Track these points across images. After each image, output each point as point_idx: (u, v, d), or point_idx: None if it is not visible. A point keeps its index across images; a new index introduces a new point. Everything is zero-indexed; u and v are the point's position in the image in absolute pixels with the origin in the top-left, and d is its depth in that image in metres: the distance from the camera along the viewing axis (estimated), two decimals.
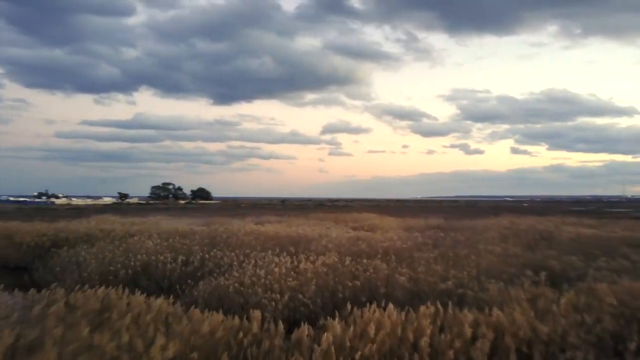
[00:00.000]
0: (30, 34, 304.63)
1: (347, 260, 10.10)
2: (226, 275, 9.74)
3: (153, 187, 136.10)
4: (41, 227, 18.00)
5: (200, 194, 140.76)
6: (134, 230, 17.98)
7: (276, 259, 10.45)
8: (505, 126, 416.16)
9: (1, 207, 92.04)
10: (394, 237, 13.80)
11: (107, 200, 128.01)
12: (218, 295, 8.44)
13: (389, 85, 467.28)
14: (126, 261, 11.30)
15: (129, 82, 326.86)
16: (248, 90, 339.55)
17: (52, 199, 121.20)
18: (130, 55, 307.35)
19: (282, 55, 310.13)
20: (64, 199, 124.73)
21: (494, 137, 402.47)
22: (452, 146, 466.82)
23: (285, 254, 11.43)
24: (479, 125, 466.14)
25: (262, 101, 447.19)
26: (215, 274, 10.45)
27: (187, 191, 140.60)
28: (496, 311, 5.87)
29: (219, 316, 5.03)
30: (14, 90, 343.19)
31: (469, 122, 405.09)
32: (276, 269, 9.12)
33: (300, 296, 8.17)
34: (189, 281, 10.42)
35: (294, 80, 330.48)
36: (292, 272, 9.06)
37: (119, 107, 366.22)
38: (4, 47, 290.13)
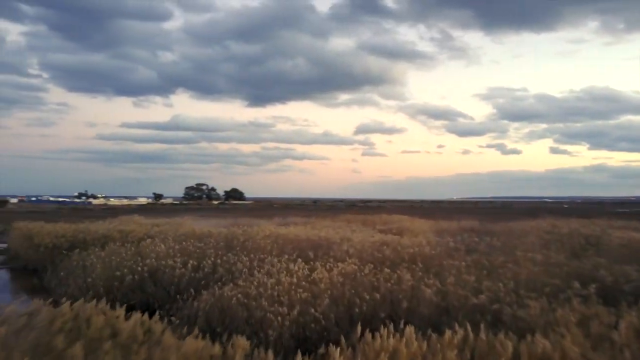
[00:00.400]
0: (73, 40, 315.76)
1: (367, 269, 9.10)
2: (235, 283, 8.92)
3: (187, 188, 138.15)
4: (61, 228, 17.68)
5: (234, 194, 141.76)
6: (154, 232, 17.47)
7: (291, 266, 9.54)
8: (544, 125, 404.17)
9: (41, 207, 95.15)
10: (423, 242, 12.68)
11: (142, 200, 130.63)
12: (221, 307, 7.59)
13: (424, 85, 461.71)
14: (134, 266, 10.62)
15: (166, 85, 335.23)
16: (282, 92, 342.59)
17: (90, 200, 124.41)
18: (167, 59, 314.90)
19: (316, 56, 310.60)
20: (101, 200, 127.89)
21: (532, 136, 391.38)
22: (489, 146, 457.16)
23: (301, 260, 10.55)
24: (516, 124, 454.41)
25: (295, 102, 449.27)
26: (224, 282, 9.67)
27: (220, 192, 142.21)
28: (541, 339, 4.78)
29: (196, 343, 4.14)
30: (58, 94, 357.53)
31: (505, 121, 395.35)
32: (286, 279, 8.19)
33: (312, 310, 7.22)
34: (194, 289, 9.70)
35: (327, 81, 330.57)
36: (304, 282, 8.12)
37: (157, 110, 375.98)
38: (49, 53, 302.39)
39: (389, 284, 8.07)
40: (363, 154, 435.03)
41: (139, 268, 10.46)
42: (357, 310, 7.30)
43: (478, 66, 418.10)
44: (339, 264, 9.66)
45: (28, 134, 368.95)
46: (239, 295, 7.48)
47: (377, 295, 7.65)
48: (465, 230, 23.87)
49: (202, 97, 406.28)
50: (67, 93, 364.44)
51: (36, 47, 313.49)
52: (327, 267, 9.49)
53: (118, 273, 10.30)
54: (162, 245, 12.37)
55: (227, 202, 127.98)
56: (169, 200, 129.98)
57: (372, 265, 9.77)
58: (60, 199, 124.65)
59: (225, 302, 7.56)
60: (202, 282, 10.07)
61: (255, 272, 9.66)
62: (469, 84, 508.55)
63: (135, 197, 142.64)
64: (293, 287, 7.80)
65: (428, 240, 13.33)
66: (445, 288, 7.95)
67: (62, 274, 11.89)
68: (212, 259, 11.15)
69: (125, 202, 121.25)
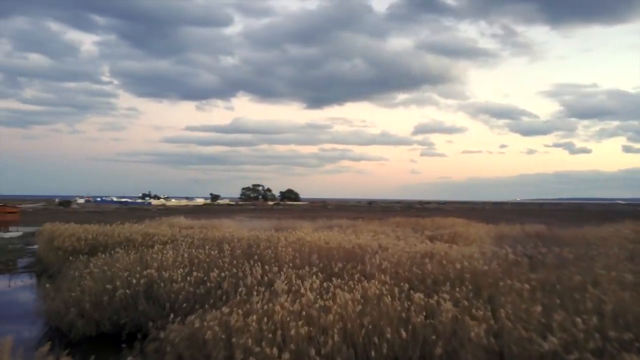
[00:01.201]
0: (140, 47, 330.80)
1: (399, 290, 7.10)
2: (232, 303, 7.21)
3: (243, 189, 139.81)
4: (84, 230, 16.78)
5: (289, 195, 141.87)
6: (180, 235, 16.24)
7: (306, 283, 7.69)
8: (616, 123, 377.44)
9: (102, 207, 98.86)
10: (476, 253, 10.45)
11: (199, 201, 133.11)
12: (195, 341, 5.86)
13: (485, 83, 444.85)
14: (129, 277, 9.16)
15: (227, 88, 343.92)
16: (339, 93, 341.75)
17: (150, 200, 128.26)
18: (228, 63, 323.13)
19: (374, 56, 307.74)
20: (162, 200, 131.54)
21: (603, 134, 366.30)
22: (555, 145, 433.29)
23: (322, 274, 8.72)
24: (585, 122, 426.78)
25: (353, 103, 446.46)
26: (227, 299, 7.99)
27: (276, 193, 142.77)
28: None
29: None
30: (127, 99, 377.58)
31: (573, 119, 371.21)
32: (284, 305, 6.32)
33: (313, 351, 5.35)
34: (191, 307, 8.10)
35: (385, 81, 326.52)
36: (310, 309, 6.24)
37: (218, 113, 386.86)
38: (119, 61, 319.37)
39: (422, 316, 6.04)
40: (422, 154, 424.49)
41: (135, 280, 8.97)
42: (374, 353, 5.35)
43: (543, 62, 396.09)
44: (365, 282, 7.73)
45: (101, 137, 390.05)
46: (216, 328, 5.71)
47: (404, 333, 5.65)
48: (530, 236, 21.04)
49: (262, 100, 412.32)
50: (135, 98, 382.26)
51: (107, 55, 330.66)
52: (349, 285, 7.59)
53: (109, 286, 8.87)
54: (171, 253, 10.89)
55: (282, 202, 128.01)
56: (226, 201, 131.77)
57: (407, 285, 7.76)
58: (123, 200, 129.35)
59: (201, 335, 5.81)
60: (205, 297, 8.46)
61: (262, 289, 7.90)
62: (533, 81, 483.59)
63: (193, 198, 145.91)
64: (292, 316, 5.92)
65: (483, 251, 11.04)
66: (499, 324, 5.83)
67: (61, 283, 10.70)
68: (221, 270, 9.53)
69: (183, 202, 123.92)
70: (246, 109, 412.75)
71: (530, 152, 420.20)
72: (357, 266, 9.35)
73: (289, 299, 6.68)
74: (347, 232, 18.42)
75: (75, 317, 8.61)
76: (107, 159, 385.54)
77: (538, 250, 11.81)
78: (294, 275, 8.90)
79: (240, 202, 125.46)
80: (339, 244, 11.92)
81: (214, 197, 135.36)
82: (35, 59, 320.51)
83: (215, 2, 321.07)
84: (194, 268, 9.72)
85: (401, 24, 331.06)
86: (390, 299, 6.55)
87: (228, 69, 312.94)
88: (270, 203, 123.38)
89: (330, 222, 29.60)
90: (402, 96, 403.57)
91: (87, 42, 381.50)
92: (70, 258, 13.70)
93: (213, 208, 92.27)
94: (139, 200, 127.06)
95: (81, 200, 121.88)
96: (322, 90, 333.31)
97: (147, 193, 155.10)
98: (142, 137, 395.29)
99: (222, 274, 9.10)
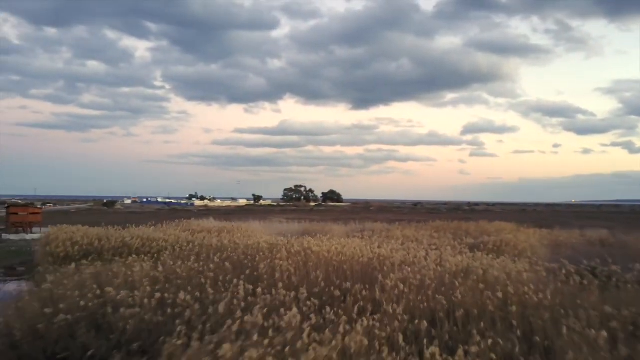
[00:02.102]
0: (191, 52, 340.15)
1: (411, 331, 4.87)
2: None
3: (285, 190, 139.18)
4: (85, 234, 15.33)
5: (331, 196, 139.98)
6: (187, 240, 14.51)
7: (288, 315, 5.58)
8: None
9: (145, 207, 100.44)
10: (526, 272, 7.99)
11: (242, 201, 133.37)
12: None
13: (538, 81, 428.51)
14: (77, 299, 7.35)
15: (274, 91, 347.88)
16: (386, 94, 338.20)
17: (193, 201, 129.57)
18: (275, 66, 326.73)
19: (421, 56, 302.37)
20: (206, 201, 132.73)
21: None
22: (613, 144, 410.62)
23: (314, 300, 6.60)
24: None
25: (399, 103, 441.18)
26: (188, 332, 5.99)
27: (319, 193, 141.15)
28: None
29: None
30: (178, 103, 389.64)
31: (634, 117, 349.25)
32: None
33: None
34: (143, 340, 6.19)
35: (433, 80, 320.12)
36: None
37: (266, 115, 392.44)
38: (170, 66, 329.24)
39: None
40: (471, 155, 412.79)
41: (83, 302, 7.15)
42: None
43: (600, 58, 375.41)
44: (365, 317, 5.54)
45: (153, 140, 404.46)
46: None
47: None
48: (592, 244, 18.02)
49: (308, 102, 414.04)
50: (186, 102, 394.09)
51: (160, 60, 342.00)
52: (345, 319, 5.40)
53: (48, 310, 7.08)
54: (143, 265, 9.02)
55: (323, 204, 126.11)
56: (268, 202, 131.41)
57: (425, 324, 5.49)
58: (167, 200, 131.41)
59: None
60: (159, 329, 6.50)
61: (237, 318, 5.85)
62: (589, 78, 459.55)
63: (237, 199, 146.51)
64: None
65: (536, 268, 8.54)
66: None
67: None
68: (197, 289, 7.58)
69: (226, 203, 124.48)
70: (293, 111, 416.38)
71: (586, 151, 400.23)
72: (365, 289, 7.12)
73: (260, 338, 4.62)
74: (375, 238, 16.16)
75: (5, 349, 6.86)
76: (159, 161, 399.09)
77: (608, 267, 9.21)
78: (285, 297, 6.85)
79: (281, 203, 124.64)
80: (354, 255, 9.72)
81: (257, 198, 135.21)
82: (93, 65, 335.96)
83: (263, 6, 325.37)
84: (158, 287, 7.78)
85: (449, 22, 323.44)
86: (387, 353, 4.32)
87: (275, 72, 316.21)
88: (312, 204, 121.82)
89: (364, 225, 27.33)
90: (450, 95, 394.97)
91: (141, 48, 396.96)
92: (59, 266, 12.20)
93: (253, 209, 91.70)
94: (183, 202, 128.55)
95: (128, 201, 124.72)
96: (368, 91, 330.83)
97: (193, 194, 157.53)
98: (193, 139, 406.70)
99: (197, 295, 7.12)
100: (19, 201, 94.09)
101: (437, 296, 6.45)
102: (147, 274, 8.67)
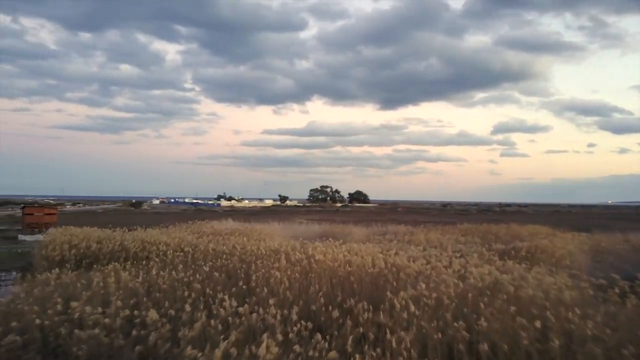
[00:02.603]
0: (220, 54, 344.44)
1: None
2: None
3: (311, 190, 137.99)
4: (86, 237, 14.50)
5: (357, 196, 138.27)
6: (197, 243, 13.54)
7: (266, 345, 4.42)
8: None
9: (172, 208, 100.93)
10: (566, 289, 6.58)
11: (268, 202, 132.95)
12: None
13: (571, 79, 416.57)
14: (34, 316, 6.35)
15: (302, 92, 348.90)
16: (414, 93, 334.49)
17: (219, 202, 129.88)
18: (302, 67, 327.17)
19: (450, 55, 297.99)
20: (233, 201, 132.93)
21: None
22: None
23: (305, 324, 5.41)
24: None
25: (428, 103, 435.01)
26: None
27: (346, 194, 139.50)
28: None
29: None
30: (208, 105, 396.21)
31: None
32: None
33: None
34: None
35: (462, 79, 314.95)
36: None
37: (294, 116, 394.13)
38: (200, 68, 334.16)
39: None
40: (502, 155, 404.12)
41: (38, 321, 6.14)
42: None
43: (637, 54, 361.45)
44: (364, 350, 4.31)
45: (184, 142, 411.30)
46: None
47: None
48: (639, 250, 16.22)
49: (336, 103, 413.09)
50: (215, 104, 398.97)
51: (190, 63, 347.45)
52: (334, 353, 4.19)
53: None
54: (121, 275, 7.97)
55: (349, 204, 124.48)
56: (294, 202, 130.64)
57: None
58: (195, 201, 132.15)
59: None
60: (117, 355, 5.43)
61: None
62: (626, 75, 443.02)
63: (263, 199, 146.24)
64: None
65: (577, 282, 7.11)
66: None
67: None
68: (175, 302, 6.51)
69: (253, 203, 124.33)
70: (320, 112, 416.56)
71: (623, 151, 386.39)
72: (369, 310, 5.87)
73: None
74: (395, 243, 14.85)
75: None
76: (189, 162, 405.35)
77: None
78: (275, 318, 5.68)
79: (307, 204, 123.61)
80: (364, 265, 8.48)
81: (283, 199, 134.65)
82: (126, 69, 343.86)
83: (291, 7, 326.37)
84: (132, 302, 6.72)
85: (479, 21, 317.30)
86: None
87: (303, 73, 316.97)
88: (338, 205, 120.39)
89: (387, 228, 25.93)
90: (480, 95, 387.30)
91: (171, 51, 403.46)
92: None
93: (278, 209, 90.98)
94: (210, 202, 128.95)
95: (156, 202, 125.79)
96: (397, 91, 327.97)
97: (222, 194, 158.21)
98: (222, 140, 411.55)
99: (171, 313, 6.03)
100: (50, 201, 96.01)
101: (456, 323, 5.15)
102: (125, 284, 7.63)
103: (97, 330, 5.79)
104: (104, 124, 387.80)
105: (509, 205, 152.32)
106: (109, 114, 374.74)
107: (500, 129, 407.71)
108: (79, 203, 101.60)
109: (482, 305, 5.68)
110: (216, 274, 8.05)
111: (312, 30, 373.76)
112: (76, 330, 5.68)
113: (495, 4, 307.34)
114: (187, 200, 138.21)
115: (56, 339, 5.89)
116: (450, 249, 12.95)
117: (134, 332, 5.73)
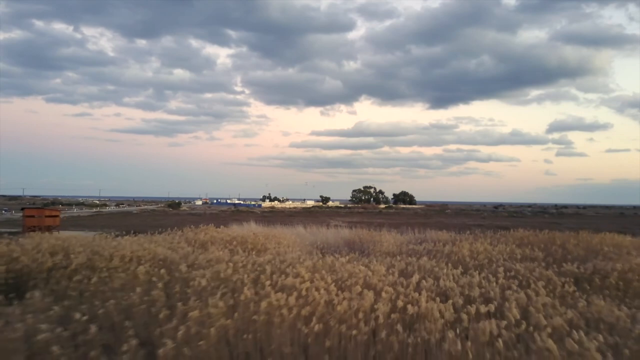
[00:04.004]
0: (269, 57, 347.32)
1: None
2: None
3: (354, 191, 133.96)
4: (73, 244, 11.85)
5: (403, 197, 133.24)
6: (168, 256, 10.59)
7: None
8: None
9: (210, 208, 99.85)
10: None
11: (309, 203, 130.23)
12: None
13: (634, 74, 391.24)
14: None
15: (350, 93, 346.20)
16: (465, 92, 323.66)
17: (261, 202, 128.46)
18: (351, 68, 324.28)
19: (503, 51, 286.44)
20: (275, 202, 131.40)
21: None
22: None
23: None
24: None
25: (480, 102, 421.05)
26: None
27: (395, 195, 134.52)
28: None
29: None
30: (258, 107, 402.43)
31: None
32: None
33: None
34: None
35: (516, 77, 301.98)
36: None
37: (342, 118, 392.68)
38: (250, 71, 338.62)
39: None
40: (558, 154, 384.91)
41: None
42: None
43: None
44: None
45: (235, 144, 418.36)
46: None
47: None
48: None
49: (384, 103, 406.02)
50: (265, 106, 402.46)
51: (240, 66, 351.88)
52: None
53: None
54: None
55: (394, 206, 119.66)
56: (336, 203, 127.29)
57: None
58: (236, 202, 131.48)
59: None
60: None
61: None
62: None
63: (304, 200, 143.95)
64: None
65: None
66: None
67: None
68: None
69: (294, 204, 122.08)
70: (368, 112, 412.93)
71: None
72: None
73: None
74: (425, 259, 11.19)
75: None
76: (239, 164, 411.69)
77: None
78: None
79: (349, 205, 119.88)
80: (354, 313, 5.00)
81: (325, 200, 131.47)
82: (179, 73, 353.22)
83: (339, 8, 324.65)
84: None
85: (533, 15, 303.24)
86: None
87: (351, 74, 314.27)
88: (381, 206, 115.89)
89: (425, 234, 22.11)
90: (535, 92, 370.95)
91: (222, 55, 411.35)
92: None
93: (318, 211, 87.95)
94: (252, 203, 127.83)
95: (199, 202, 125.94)
96: (447, 90, 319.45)
97: (267, 195, 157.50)
98: (271, 142, 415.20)
99: None
100: (98, 201, 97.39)
101: None
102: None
103: None
104: (158, 126, 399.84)
105: (565, 206, 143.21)
106: (163, 117, 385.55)
107: (556, 127, 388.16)
108: (122, 204, 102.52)
109: None
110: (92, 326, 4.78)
111: (360, 30, 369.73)
112: None
113: None
114: (229, 201, 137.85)
115: None
116: (503, 270, 9.19)
117: None
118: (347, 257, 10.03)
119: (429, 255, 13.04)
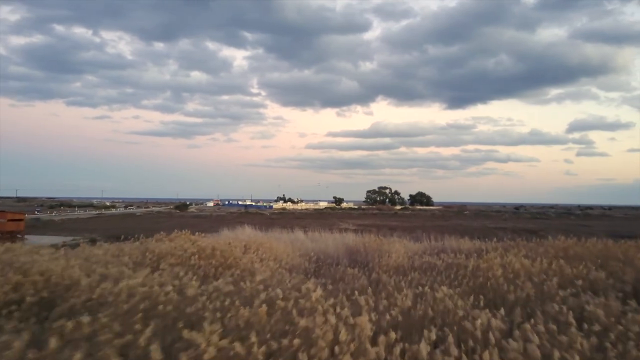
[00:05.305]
0: (285, 58, 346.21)
1: None
2: None
3: (368, 192, 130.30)
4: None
5: (420, 198, 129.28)
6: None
7: None
8: None
9: (222, 210, 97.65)
10: None
11: (322, 204, 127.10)
12: None
13: None
14: None
15: (366, 93, 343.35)
16: (483, 91, 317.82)
17: (272, 204, 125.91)
18: (367, 68, 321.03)
19: (522, 50, 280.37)
20: (288, 203, 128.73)
21: None
22: None
23: None
24: None
25: (498, 101, 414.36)
26: None
27: (411, 195, 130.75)
28: None
29: None
30: (275, 109, 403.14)
31: None
32: None
33: None
34: None
35: (535, 75, 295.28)
36: None
37: (358, 118, 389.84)
38: (266, 73, 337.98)
39: None
40: (578, 154, 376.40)
41: None
42: None
43: None
44: None
45: (252, 145, 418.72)
46: None
47: None
48: None
49: (401, 103, 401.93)
50: (281, 108, 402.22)
51: (256, 68, 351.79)
52: None
53: None
54: None
55: (410, 207, 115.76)
56: (350, 204, 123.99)
57: None
58: (247, 203, 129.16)
59: None
60: None
61: None
62: None
63: (317, 201, 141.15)
64: None
65: None
66: None
67: None
68: None
69: (307, 205, 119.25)
70: (385, 113, 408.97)
71: None
72: None
73: None
74: (446, 290, 7.98)
75: None
76: (257, 165, 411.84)
77: None
78: None
79: (363, 206, 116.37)
80: None
81: (338, 201, 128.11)
82: (196, 76, 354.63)
83: (355, 9, 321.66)
84: None
85: (553, 13, 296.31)
86: None
87: (367, 74, 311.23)
88: (397, 207, 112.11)
89: (444, 242, 18.82)
90: (554, 91, 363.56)
91: (238, 57, 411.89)
92: None
93: (330, 212, 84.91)
94: (263, 204, 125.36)
95: (210, 204, 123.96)
96: (464, 89, 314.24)
97: (281, 196, 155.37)
98: (288, 143, 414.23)
99: None
100: (108, 203, 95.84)
101: None
102: None
103: None
104: (176, 128, 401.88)
105: (590, 207, 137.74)
106: (181, 119, 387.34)
107: (576, 126, 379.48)
108: (131, 205, 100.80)
109: None
110: None
111: (376, 31, 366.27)
112: None
113: None
114: (240, 202, 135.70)
115: None
116: (566, 309, 5.91)
117: None
118: (322, 291, 6.83)
119: (447, 273, 9.83)
